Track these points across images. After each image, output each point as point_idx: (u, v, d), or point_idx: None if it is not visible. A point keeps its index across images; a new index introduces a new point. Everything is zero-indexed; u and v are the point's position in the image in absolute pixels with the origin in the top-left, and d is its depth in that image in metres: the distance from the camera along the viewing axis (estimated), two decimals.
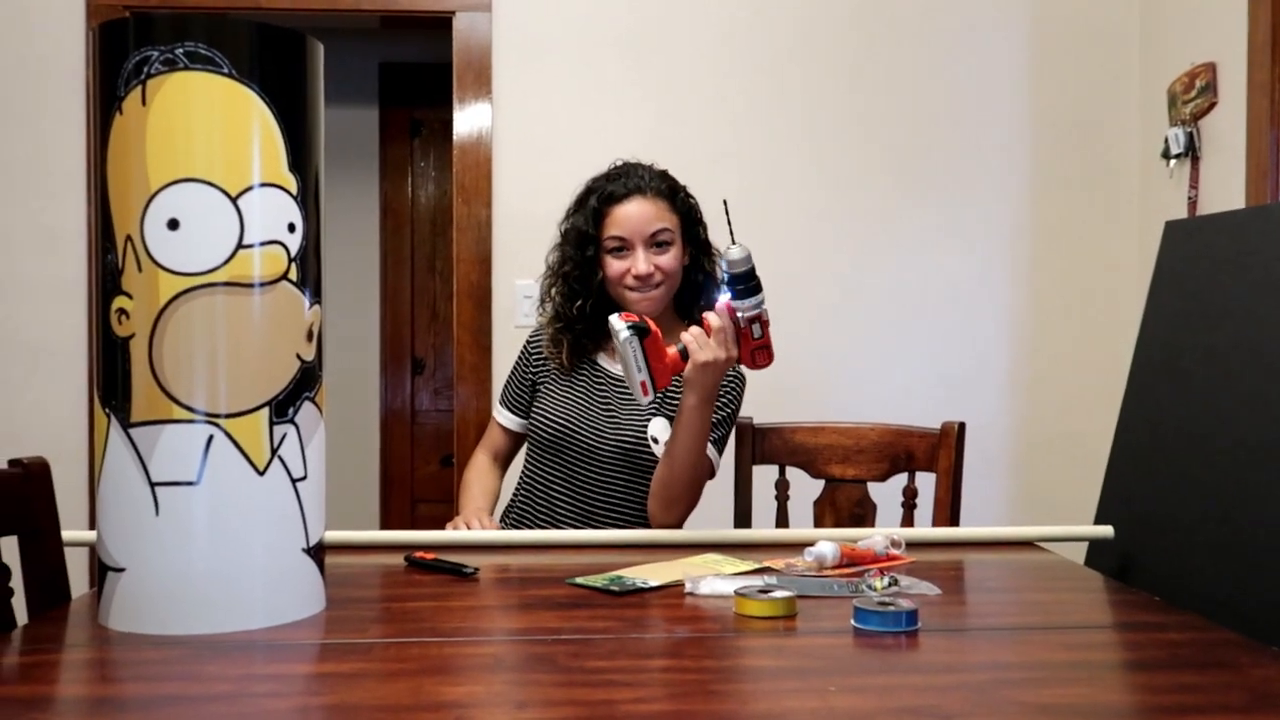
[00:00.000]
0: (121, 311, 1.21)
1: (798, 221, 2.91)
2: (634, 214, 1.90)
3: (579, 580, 1.45)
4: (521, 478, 2.04)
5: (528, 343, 2.08)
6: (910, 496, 2.12)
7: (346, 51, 4.39)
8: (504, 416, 2.08)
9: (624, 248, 1.90)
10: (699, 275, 1.98)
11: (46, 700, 1.06)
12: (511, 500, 2.05)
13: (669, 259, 1.91)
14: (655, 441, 1.91)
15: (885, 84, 2.93)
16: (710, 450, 1.87)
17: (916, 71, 2.93)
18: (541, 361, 2.03)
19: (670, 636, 1.24)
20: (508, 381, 2.09)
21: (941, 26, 2.93)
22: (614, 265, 1.91)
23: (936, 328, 2.94)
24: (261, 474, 1.24)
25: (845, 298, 2.93)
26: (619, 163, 2.00)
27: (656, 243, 1.90)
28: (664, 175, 1.97)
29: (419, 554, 1.59)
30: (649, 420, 1.92)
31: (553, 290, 2.00)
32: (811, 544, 1.55)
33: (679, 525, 1.85)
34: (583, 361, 2.00)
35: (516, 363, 2.09)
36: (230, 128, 1.22)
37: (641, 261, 1.89)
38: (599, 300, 1.94)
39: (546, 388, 2.00)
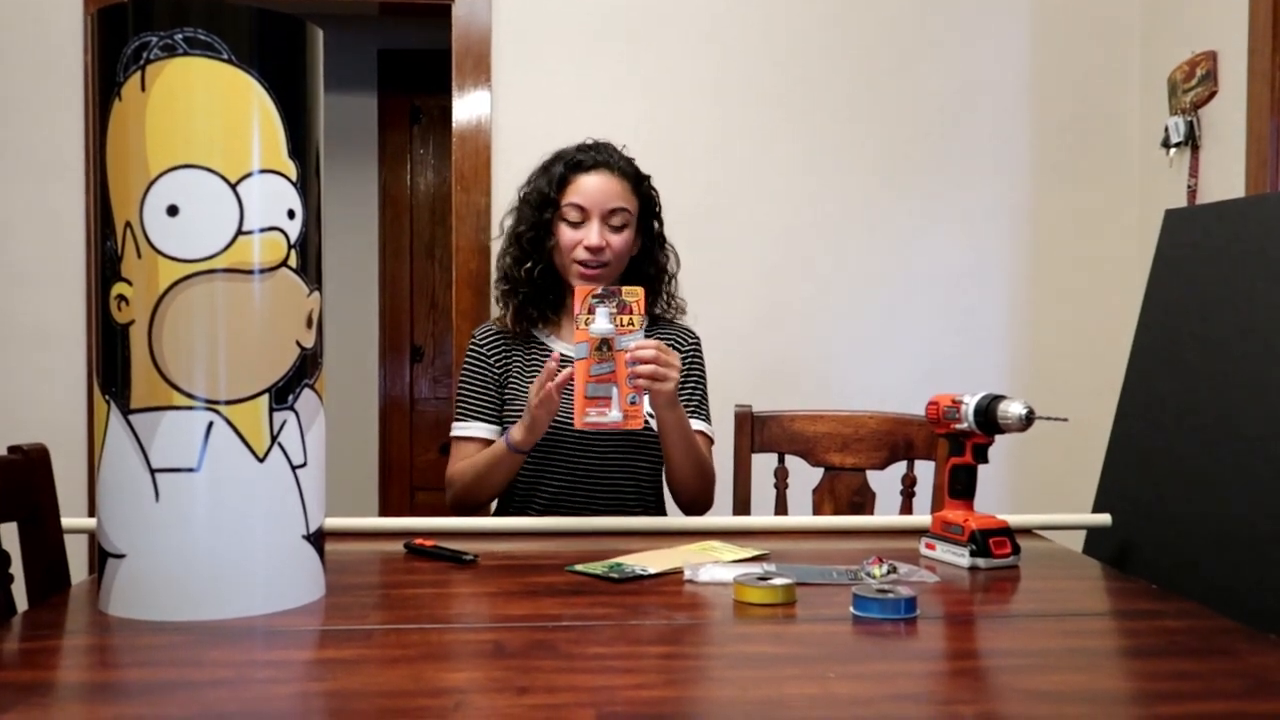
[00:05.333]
0: (121, 298, 1.21)
1: (797, 210, 2.91)
2: (597, 186, 1.90)
3: (578, 568, 1.46)
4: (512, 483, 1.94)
5: (478, 344, 1.99)
6: (909, 484, 2.13)
7: (345, 38, 4.38)
8: (479, 428, 1.94)
9: (582, 220, 1.90)
10: (649, 268, 2.00)
11: (47, 685, 1.06)
12: (505, 500, 1.98)
13: (621, 240, 1.92)
14: (651, 417, 1.88)
15: (884, 71, 2.92)
16: (702, 425, 1.96)
17: (916, 59, 2.92)
18: (502, 355, 1.97)
19: (670, 623, 1.24)
20: (468, 393, 1.96)
21: (941, 14, 2.92)
22: (568, 234, 1.90)
23: (936, 316, 2.94)
24: (261, 460, 1.24)
25: (845, 286, 2.93)
26: (590, 140, 1.99)
27: (612, 223, 1.91)
28: (631, 161, 1.98)
29: (418, 541, 1.60)
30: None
31: (506, 253, 1.99)
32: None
33: (710, 504, 1.96)
34: (537, 346, 1.97)
35: (473, 368, 1.97)
36: (230, 114, 1.22)
37: (595, 234, 1.88)
38: (547, 268, 1.95)
39: (514, 385, 1.95)
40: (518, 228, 1.96)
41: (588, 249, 1.88)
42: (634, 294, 1.71)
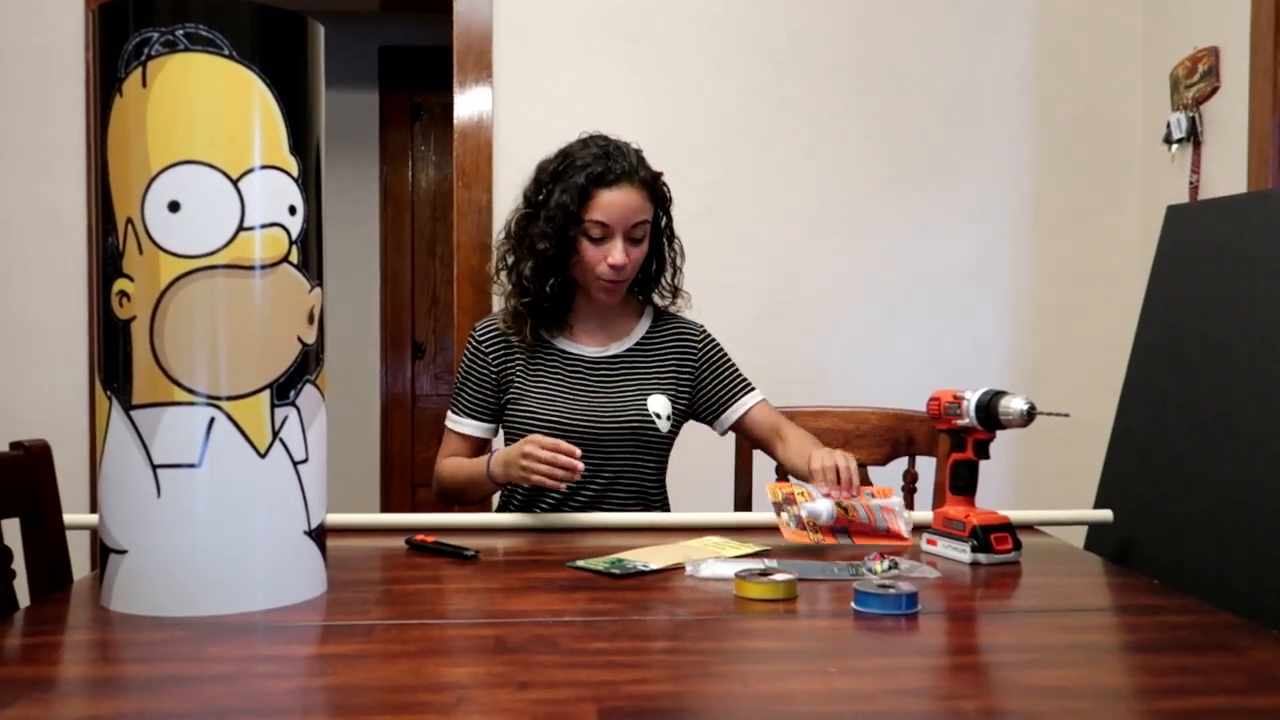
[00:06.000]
0: (122, 294, 1.21)
1: (798, 206, 2.90)
2: (621, 203, 1.84)
3: (580, 563, 1.46)
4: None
5: (478, 341, 1.96)
6: (911, 480, 2.13)
7: (346, 35, 4.38)
8: (469, 425, 1.94)
9: (604, 236, 1.85)
10: (654, 260, 1.98)
11: (49, 681, 1.06)
12: (506, 499, 1.98)
13: (640, 252, 1.89)
14: (659, 417, 1.91)
15: (886, 67, 2.92)
16: (759, 394, 2.01)
17: (917, 56, 2.92)
18: (501, 355, 1.94)
19: (672, 619, 1.24)
20: (462, 388, 1.96)
21: (943, 11, 2.91)
22: (591, 251, 1.85)
23: (938, 312, 2.94)
24: (263, 456, 1.24)
25: (847, 282, 2.92)
26: (594, 134, 1.93)
27: (634, 236, 1.87)
28: (644, 162, 1.91)
29: (420, 537, 1.60)
30: (645, 397, 1.91)
31: (521, 264, 1.91)
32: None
33: None
34: (541, 346, 1.94)
35: (470, 365, 1.95)
36: (231, 110, 1.21)
37: (619, 252, 1.84)
38: (565, 279, 1.92)
39: (518, 385, 1.92)
40: (538, 242, 1.87)
41: (611, 267, 1.85)
42: (776, 491, 1.66)
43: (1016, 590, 1.42)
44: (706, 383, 1.99)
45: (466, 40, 2.86)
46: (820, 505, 1.59)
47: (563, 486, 1.70)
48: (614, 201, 1.84)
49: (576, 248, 1.86)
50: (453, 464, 1.93)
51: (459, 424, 1.96)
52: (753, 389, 2.00)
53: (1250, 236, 1.70)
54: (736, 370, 2.01)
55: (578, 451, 1.67)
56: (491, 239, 2.84)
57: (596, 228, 1.84)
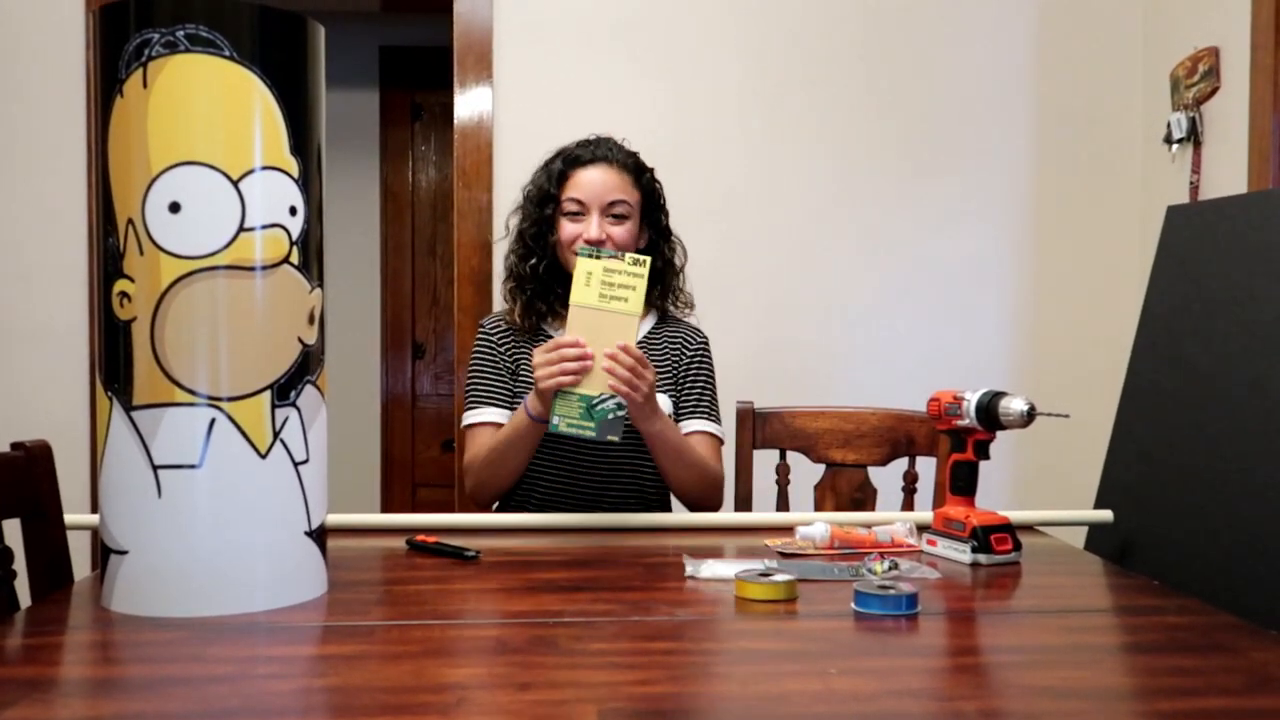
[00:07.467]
0: (123, 295, 1.21)
1: (799, 206, 2.90)
2: (594, 179, 1.90)
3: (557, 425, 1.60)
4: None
5: (487, 332, 1.98)
6: (910, 481, 2.13)
7: (346, 34, 4.38)
8: (493, 414, 1.91)
9: (581, 212, 1.90)
10: (656, 262, 1.97)
11: (49, 681, 1.06)
12: (505, 495, 1.96)
13: (623, 232, 1.90)
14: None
15: (887, 68, 2.92)
16: (709, 425, 1.95)
17: (919, 55, 2.92)
18: (511, 344, 1.95)
19: (671, 619, 1.24)
20: (478, 380, 1.94)
21: (944, 10, 2.91)
22: (568, 228, 1.90)
23: (938, 312, 2.94)
24: (263, 457, 1.24)
25: (847, 282, 2.92)
26: (593, 135, 2.00)
27: (613, 214, 1.90)
28: (633, 154, 1.97)
29: (420, 537, 1.60)
30: None
31: (512, 251, 2.00)
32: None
33: (717, 505, 1.94)
34: (542, 340, 1.94)
35: (483, 355, 1.96)
36: (231, 110, 1.22)
37: (594, 227, 1.87)
38: (552, 263, 1.95)
39: (524, 380, 1.92)
40: (521, 224, 1.97)
41: (587, 242, 1.86)
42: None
43: (1016, 591, 1.42)
44: (681, 389, 1.98)
45: (467, 40, 2.86)
46: (815, 529, 1.59)
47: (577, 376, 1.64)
48: (589, 178, 1.90)
49: (555, 226, 1.92)
50: (483, 444, 1.88)
51: (483, 414, 1.92)
52: (705, 417, 1.95)
53: (1251, 236, 1.70)
54: (706, 392, 1.98)
55: (579, 340, 1.64)
56: (492, 238, 2.85)
57: (572, 204, 1.90)
